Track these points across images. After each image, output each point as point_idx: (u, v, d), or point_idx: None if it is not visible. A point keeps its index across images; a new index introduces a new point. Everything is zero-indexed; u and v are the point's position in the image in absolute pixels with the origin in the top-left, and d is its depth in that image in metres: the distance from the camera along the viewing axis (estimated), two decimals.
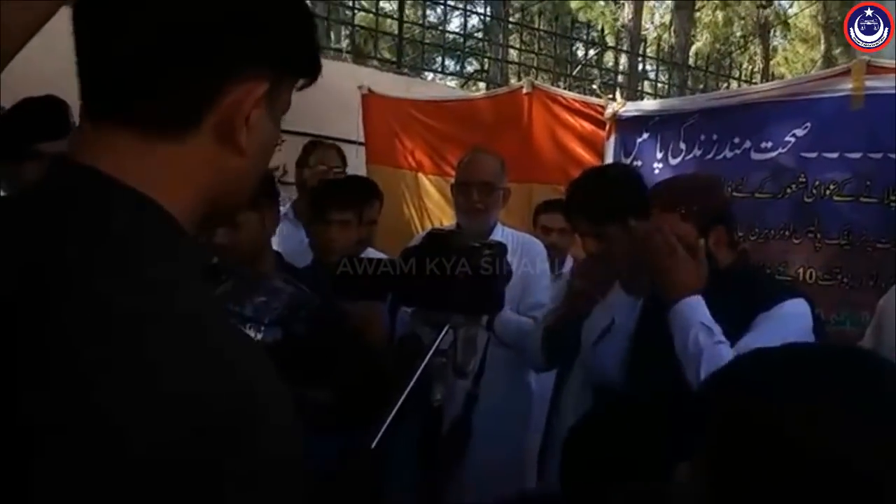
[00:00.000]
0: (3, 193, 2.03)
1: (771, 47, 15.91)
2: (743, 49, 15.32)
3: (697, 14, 13.89)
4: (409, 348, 1.49)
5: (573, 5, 13.85)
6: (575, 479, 1.25)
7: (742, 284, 1.88)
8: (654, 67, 9.08)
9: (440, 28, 8.63)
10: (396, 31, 6.74)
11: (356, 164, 4.21)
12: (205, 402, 0.59)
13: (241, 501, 0.60)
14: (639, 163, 3.56)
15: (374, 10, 7.38)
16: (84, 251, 0.63)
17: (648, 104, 4.11)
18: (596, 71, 10.78)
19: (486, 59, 10.20)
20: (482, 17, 11.19)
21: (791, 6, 16.16)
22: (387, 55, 7.61)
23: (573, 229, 2.28)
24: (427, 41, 8.08)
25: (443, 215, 4.23)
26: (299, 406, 0.65)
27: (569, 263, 3.25)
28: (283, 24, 0.72)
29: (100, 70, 0.68)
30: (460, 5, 8.56)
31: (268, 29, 0.70)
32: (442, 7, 7.87)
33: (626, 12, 12.28)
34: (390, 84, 5.19)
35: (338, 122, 4.77)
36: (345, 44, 10.38)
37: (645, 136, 3.57)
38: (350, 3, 7.38)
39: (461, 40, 8.28)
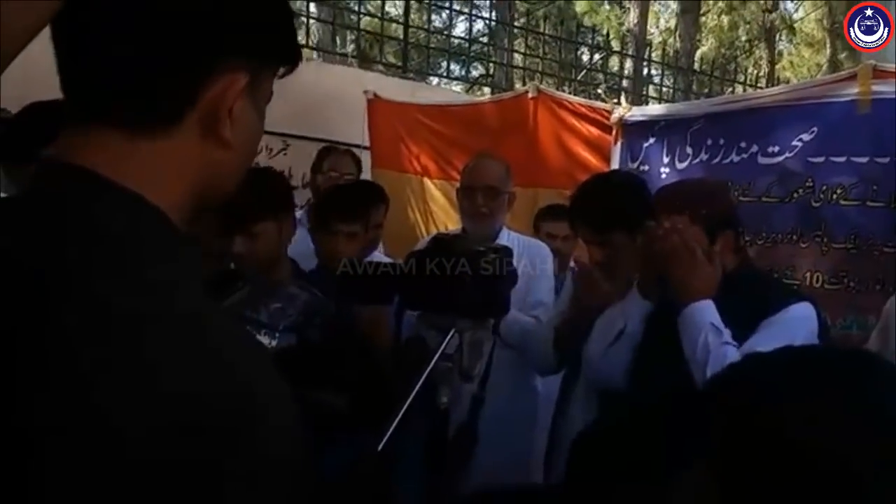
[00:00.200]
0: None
1: (776, 51, 15.89)
2: (748, 53, 15.32)
3: (703, 18, 13.89)
4: (414, 352, 1.49)
5: (578, 9, 13.84)
6: (581, 479, 1.25)
7: (748, 288, 1.88)
8: (660, 72, 9.10)
9: (445, 33, 8.67)
10: (402, 36, 6.76)
11: (362, 168, 4.22)
12: (204, 402, 0.59)
13: (241, 501, 0.60)
14: (645, 167, 3.56)
15: (379, 14, 7.38)
16: (83, 252, 0.63)
17: (654, 109, 4.11)
18: (601, 75, 10.77)
19: (491, 64, 10.22)
20: (487, 21, 11.21)
21: (796, 10, 16.16)
22: (392, 60, 7.62)
23: (577, 237, 2.27)
24: (432, 46, 8.09)
25: (448, 219, 4.24)
26: (311, 409, 0.65)
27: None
28: (259, 14, 0.72)
29: (79, 75, 0.69)
30: (465, 10, 8.58)
31: (245, 21, 0.70)
32: (447, 12, 7.89)
33: (632, 17, 12.28)
34: (396, 89, 5.20)
35: (343, 127, 4.78)
36: (350, 48, 10.41)
37: (651, 140, 3.57)
38: (356, 8, 7.41)
39: (466, 45, 8.31)
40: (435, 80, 7.77)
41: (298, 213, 2.62)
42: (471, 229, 2.76)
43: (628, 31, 12.28)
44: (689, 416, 0.77)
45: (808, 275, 2.89)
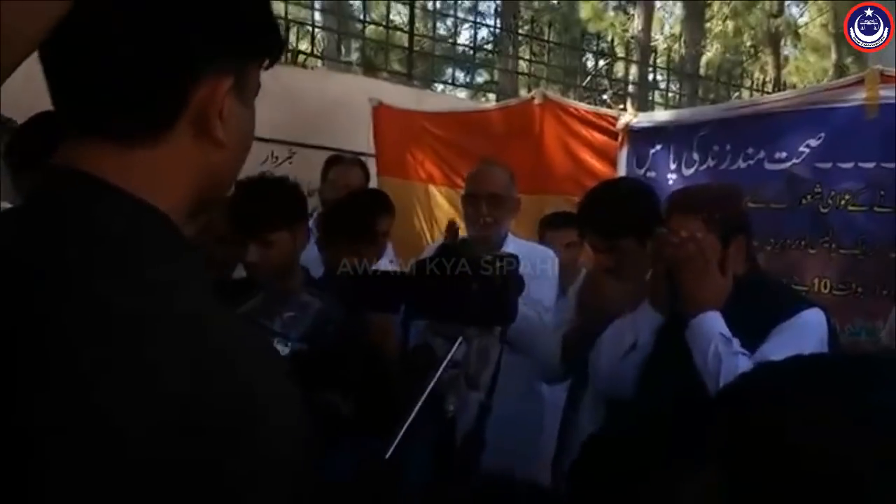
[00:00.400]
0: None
1: (782, 57, 15.88)
2: (754, 59, 15.31)
3: (707, 24, 13.89)
4: (422, 359, 1.49)
5: (583, 16, 13.87)
6: (588, 481, 1.25)
7: (759, 295, 1.87)
8: (665, 78, 9.09)
9: (450, 40, 8.67)
10: (407, 44, 6.78)
11: (369, 177, 4.22)
12: (204, 402, 0.59)
13: (241, 501, 0.60)
14: (652, 174, 3.55)
15: (384, 22, 7.41)
16: (83, 252, 0.63)
17: (661, 115, 4.10)
18: (606, 82, 10.79)
19: (496, 71, 10.24)
20: (492, 28, 11.25)
21: (801, 15, 16.16)
22: (397, 67, 7.63)
23: (586, 244, 2.26)
24: (437, 53, 8.12)
25: None
26: (318, 410, 0.65)
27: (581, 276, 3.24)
28: (238, 15, 0.72)
29: (69, 92, 0.69)
30: (470, 17, 8.60)
31: (225, 24, 0.70)
32: (452, 19, 7.91)
33: (636, 23, 12.29)
34: (401, 96, 5.21)
35: (349, 135, 4.79)
36: (355, 56, 10.44)
37: (658, 146, 3.56)
38: (361, 16, 7.43)
39: (471, 52, 8.32)
40: (440, 88, 7.81)
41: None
42: (475, 237, 2.76)
43: (633, 37, 12.29)
44: (696, 422, 0.77)
45: (815, 281, 2.88)
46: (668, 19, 15.55)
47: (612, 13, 14.51)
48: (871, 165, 2.78)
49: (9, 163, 2.03)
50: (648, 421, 1.31)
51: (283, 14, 6.14)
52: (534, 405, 2.74)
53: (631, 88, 10.10)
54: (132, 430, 0.57)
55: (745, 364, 1.69)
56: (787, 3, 15.33)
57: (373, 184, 4.20)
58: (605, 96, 10.28)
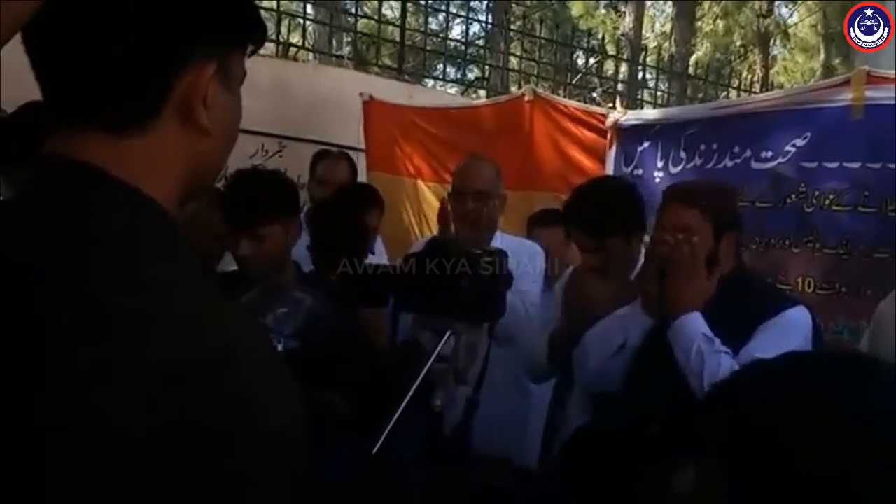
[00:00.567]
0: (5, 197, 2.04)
1: (771, 57, 15.92)
2: (743, 58, 15.34)
3: (698, 23, 13.90)
4: (410, 354, 1.49)
5: (574, 14, 13.86)
6: (575, 475, 1.26)
7: (745, 292, 1.89)
8: (654, 76, 9.11)
9: (442, 35, 8.66)
10: (398, 38, 6.76)
11: (357, 172, 4.22)
12: (204, 401, 0.59)
13: (241, 501, 0.60)
14: (640, 171, 3.57)
15: (376, 16, 7.38)
16: (83, 251, 0.63)
17: (649, 113, 4.12)
18: (596, 79, 10.79)
19: (486, 67, 10.23)
20: (483, 24, 11.24)
21: (791, 16, 16.20)
22: (388, 62, 7.61)
23: (573, 242, 2.27)
24: (429, 48, 8.09)
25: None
26: (316, 409, 0.66)
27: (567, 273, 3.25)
28: (218, 2, 0.72)
29: (55, 84, 0.69)
30: (462, 13, 8.59)
31: (206, 11, 0.71)
32: (444, 14, 7.91)
33: (627, 21, 12.30)
34: (392, 91, 5.20)
35: (339, 129, 4.78)
36: (346, 50, 10.41)
37: (646, 144, 3.58)
38: (352, 10, 7.40)
39: (462, 48, 8.30)
40: (431, 83, 7.78)
41: None
42: (463, 233, 2.75)
43: (623, 35, 12.31)
44: (687, 418, 0.78)
45: (799, 280, 2.90)
46: (659, 17, 15.56)
47: (603, 11, 14.51)
48: (856, 165, 2.80)
49: None
50: (637, 416, 1.32)
51: (274, 6, 6.11)
52: (521, 401, 2.75)
53: (620, 86, 10.12)
54: (132, 429, 0.57)
55: (727, 363, 1.71)
56: (776, 3, 15.37)
57: (362, 179, 4.20)
58: (594, 94, 10.28)
